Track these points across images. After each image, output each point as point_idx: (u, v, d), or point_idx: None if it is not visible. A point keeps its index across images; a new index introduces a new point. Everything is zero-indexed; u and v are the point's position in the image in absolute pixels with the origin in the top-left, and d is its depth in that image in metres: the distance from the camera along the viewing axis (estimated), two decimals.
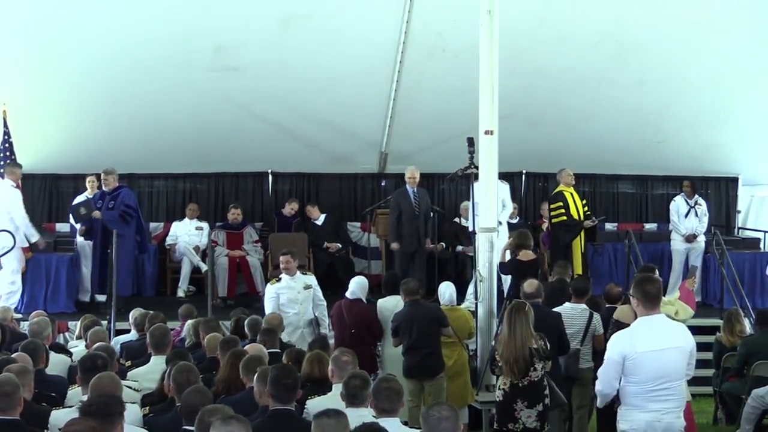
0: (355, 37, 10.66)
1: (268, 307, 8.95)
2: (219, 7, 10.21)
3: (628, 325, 7.43)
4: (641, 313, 5.42)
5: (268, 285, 9.28)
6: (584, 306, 8.12)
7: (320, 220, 12.57)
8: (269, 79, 11.05)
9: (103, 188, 10.98)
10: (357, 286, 8.77)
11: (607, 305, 8.53)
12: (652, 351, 5.27)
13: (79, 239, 11.39)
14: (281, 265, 9.16)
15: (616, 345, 5.41)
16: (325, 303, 9.35)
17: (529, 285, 7.85)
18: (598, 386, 5.53)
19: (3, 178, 10.70)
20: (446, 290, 8.70)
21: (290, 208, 12.62)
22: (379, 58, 11.04)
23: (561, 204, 11.28)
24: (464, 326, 8.48)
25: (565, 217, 11.22)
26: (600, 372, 5.52)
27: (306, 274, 9.41)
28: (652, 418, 5.30)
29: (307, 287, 9.17)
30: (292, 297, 9.04)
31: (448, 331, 8.24)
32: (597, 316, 8.12)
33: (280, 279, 9.14)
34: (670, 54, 11.27)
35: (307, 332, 9.02)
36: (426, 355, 8.03)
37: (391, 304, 8.60)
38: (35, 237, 10.71)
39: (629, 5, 10.69)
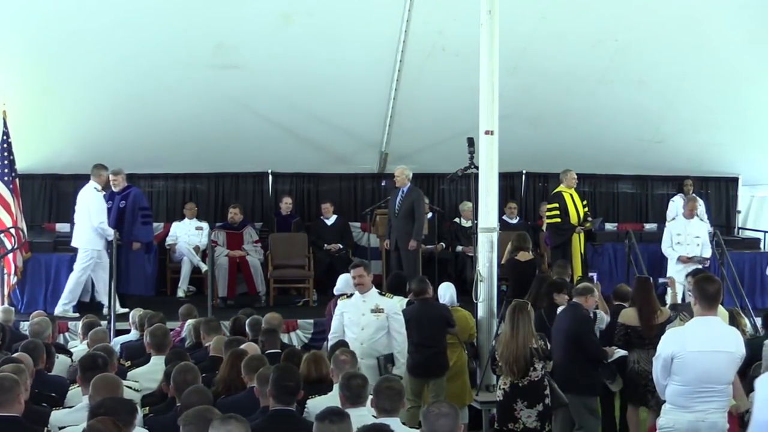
0: (356, 35, 10.66)
1: (333, 325, 7.74)
2: (219, 4, 10.21)
3: (634, 326, 7.67)
4: (697, 313, 5.36)
5: (339, 300, 7.92)
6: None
7: (331, 219, 12.57)
8: (269, 77, 11.05)
9: (113, 189, 11.00)
10: (342, 283, 8.60)
11: (615, 303, 8.55)
12: (701, 352, 5.22)
13: None
14: (353, 280, 7.69)
15: (667, 343, 5.38)
16: (404, 336, 7.58)
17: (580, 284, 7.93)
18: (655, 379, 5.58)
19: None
20: (446, 292, 8.59)
21: (285, 204, 12.60)
22: (379, 57, 11.05)
23: (557, 205, 11.28)
24: (465, 327, 8.44)
25: (559, 219, 11.23)
26: (653, 368, 5.55)
27: (384, 295, 7.79)
28: (695, 418, 5.29)
29: (377, 310, 7.51)
30: (354, 318, 7.52)
31: (453, 331, 8.19)
32: (600, 314, 8.18)
33: (351, 295, 7.75)
34: (670, 53, 11.27)
35: (367, 365, 7.07)
36: (433, 354, 7.97)
37: None
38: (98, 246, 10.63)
39: (629, 4, 10.70)
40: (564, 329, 7.47)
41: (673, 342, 5.34)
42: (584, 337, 7.49)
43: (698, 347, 5.24)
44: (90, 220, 10.45)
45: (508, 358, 6.90)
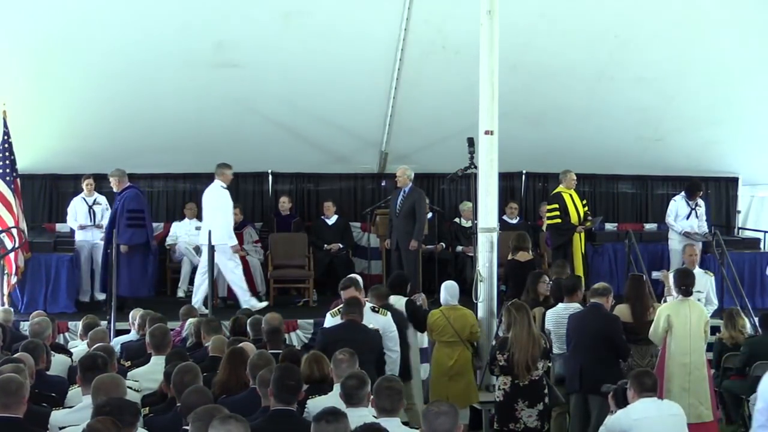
0: (355, 33, 10.64)
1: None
2: (219, 2, 10.21)
3: (627, 322, 7.69)
4: (634, 399, 5.79)
5: (329, 315, 7.46)
6: (576, 305, 8.10)
7: (332, 219, 12.57)
8: (269, 76, 11.04)
9: (114, 190, 11.01)
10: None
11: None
12: (648, 418, 5.65)
13: (79, 239, 11.41)
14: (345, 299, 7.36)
15: (614, 424, 5.83)
16: (398, 353, 7.36)
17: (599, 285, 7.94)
18: None
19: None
20: (443, 293, 8.32)
21: (283, 204, 12.59)
22: (379, 55, 11.03)
23: (557, 206, 11.28)
24: (465, 325, 8.25)
25: (559, 220, 11.23)
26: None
27: (378, 311, 7.38)
28: None
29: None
30: None
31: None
32: None
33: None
34: (670, 50, 11.26)
35: None
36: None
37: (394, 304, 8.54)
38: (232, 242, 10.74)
39: (629, 2, 10.69)
40: (593, 329, 7.38)
41: (621, 419, 5.76)
42: (616, 336, 7.43)
43: (645, 414, 5.65)
44: (222, 217, 10.55)
45: (526, 359, 6.89)
